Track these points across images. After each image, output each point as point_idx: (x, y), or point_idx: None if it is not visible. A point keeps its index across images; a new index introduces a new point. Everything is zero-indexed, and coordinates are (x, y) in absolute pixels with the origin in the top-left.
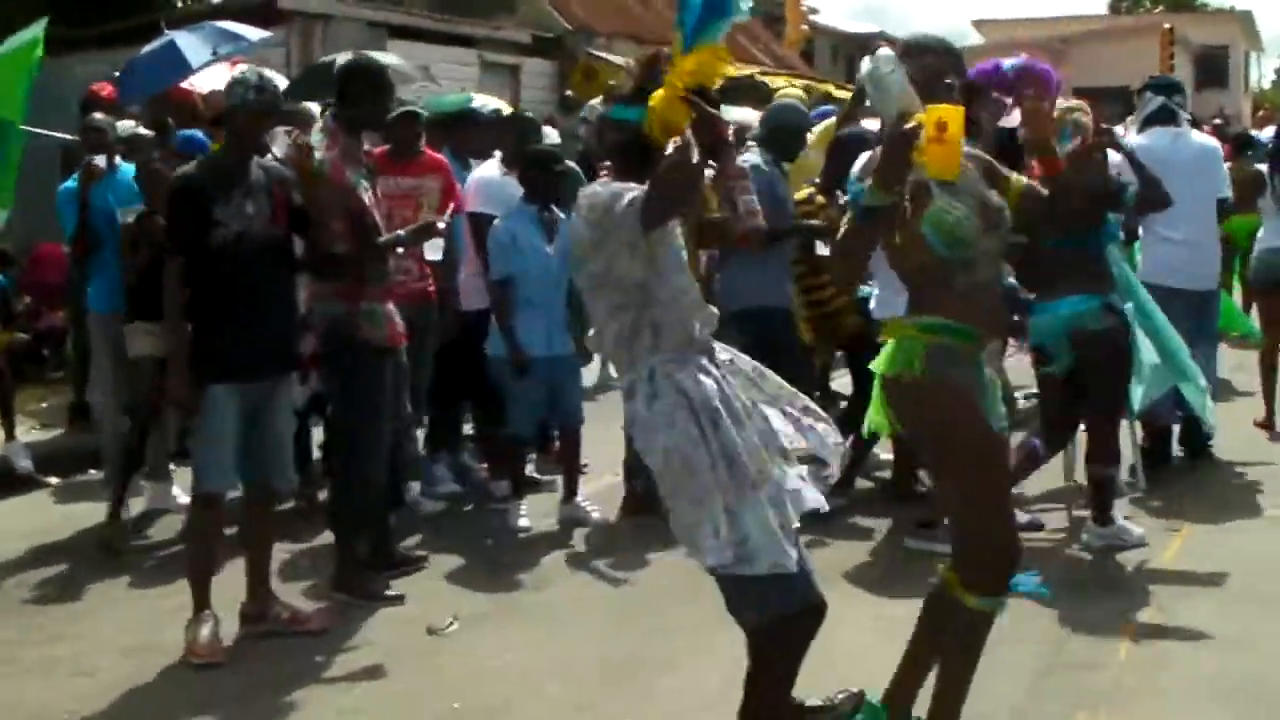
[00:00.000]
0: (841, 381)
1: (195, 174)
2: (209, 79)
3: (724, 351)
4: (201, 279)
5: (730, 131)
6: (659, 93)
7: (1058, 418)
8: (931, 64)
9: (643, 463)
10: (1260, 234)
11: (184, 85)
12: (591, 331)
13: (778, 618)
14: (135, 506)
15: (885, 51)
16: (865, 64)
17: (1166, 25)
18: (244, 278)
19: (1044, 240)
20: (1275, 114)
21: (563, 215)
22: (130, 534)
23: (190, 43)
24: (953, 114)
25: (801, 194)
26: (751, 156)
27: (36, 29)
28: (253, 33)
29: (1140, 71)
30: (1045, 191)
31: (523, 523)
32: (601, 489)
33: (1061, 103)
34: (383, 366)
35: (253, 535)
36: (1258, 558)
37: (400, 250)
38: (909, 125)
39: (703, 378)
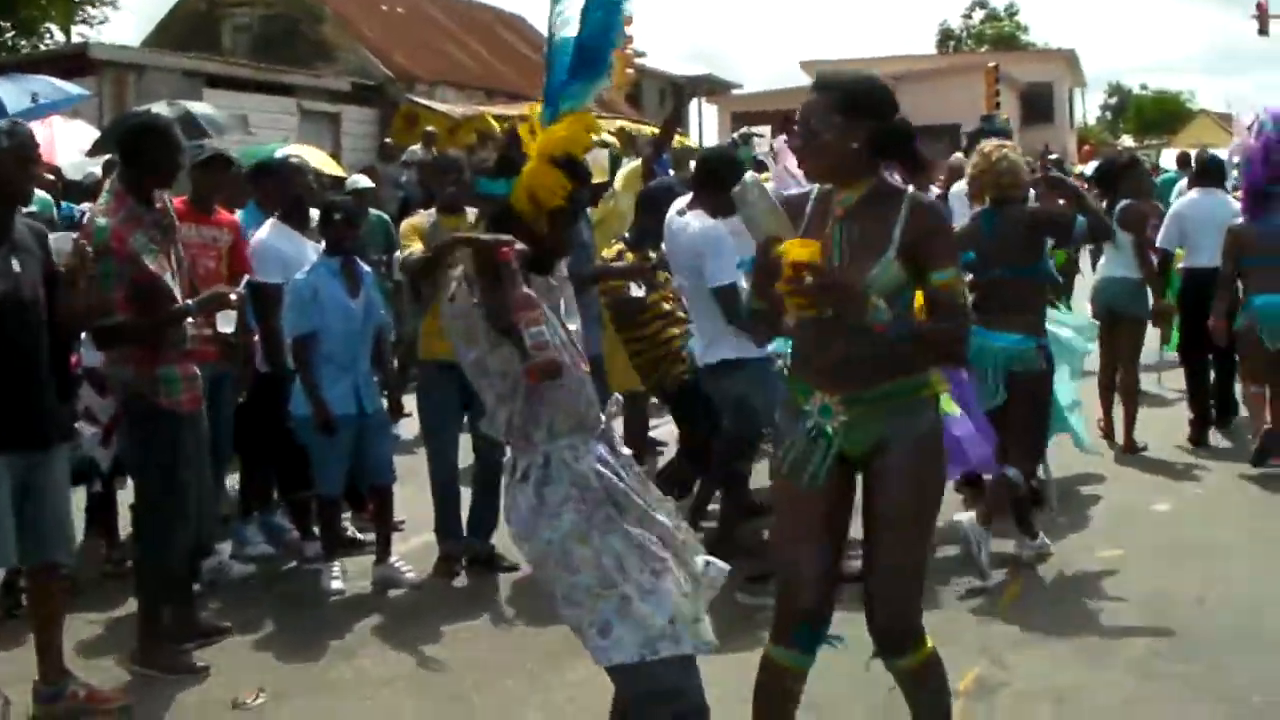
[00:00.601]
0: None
1: None
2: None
3: (623, 449)
4: None
5: (514, 252)
6: (528, 165)
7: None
8: (812, 103)
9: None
10: (1101, 263)
11: None
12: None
13: (690, 704)
14: None
15: (751, 176)
16: (737, 187)
17: (991, 64)
18: (13, 341)
19: (987, 271)
20: (1100, 149)
21: (366, 268)
22: None
23: (7, 89)
24: (807, 254)
25: (610, 251)
26: None
27: None
28: (73, 89)
29: (968, 109)
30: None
31: (335, 585)
32: (417, 547)
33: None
34: (180, 431)
35: (38, 613)
36: (1092, 601)
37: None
38: (772, 255)
39: (601, 468)
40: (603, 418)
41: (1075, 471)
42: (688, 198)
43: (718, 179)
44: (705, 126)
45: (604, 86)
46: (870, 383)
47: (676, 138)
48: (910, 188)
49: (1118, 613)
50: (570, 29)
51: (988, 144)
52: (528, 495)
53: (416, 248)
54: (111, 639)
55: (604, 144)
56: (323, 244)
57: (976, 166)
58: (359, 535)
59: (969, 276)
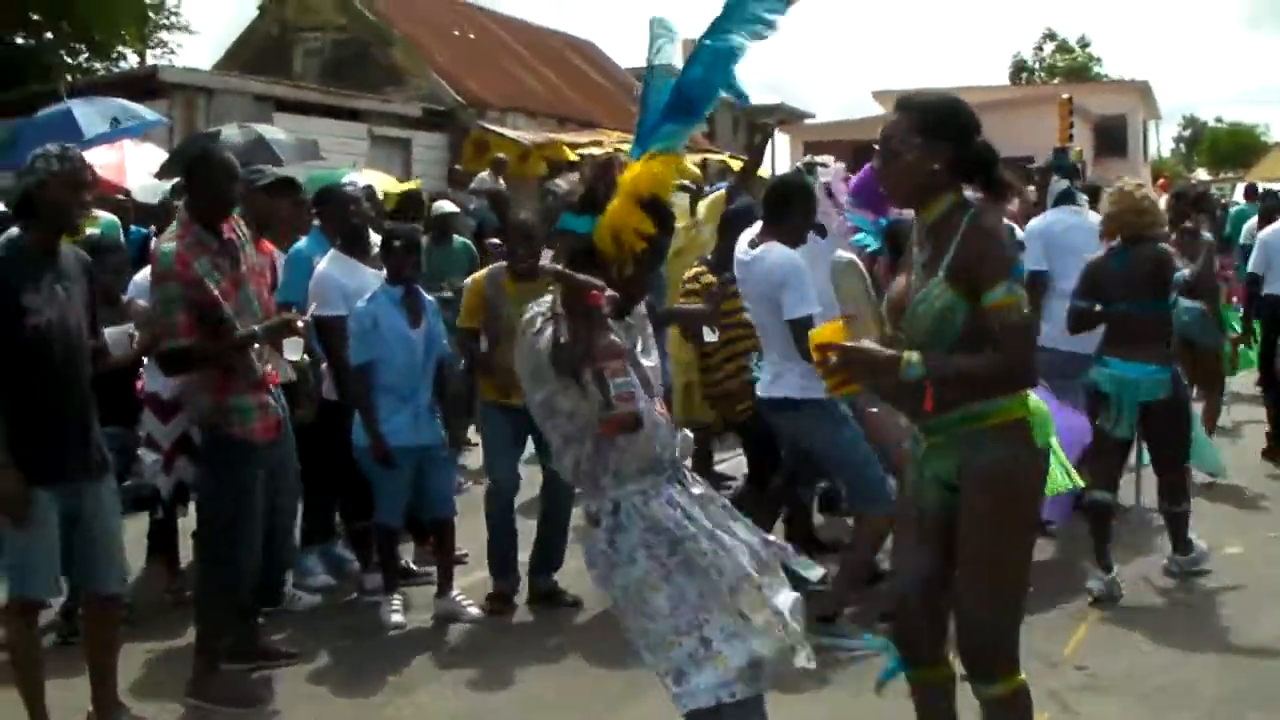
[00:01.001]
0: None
1: (2, 256)
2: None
3: (696, 484)
4: (13, 370)
5: (605, 298)
6: (614, 204)
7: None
8: (894, 123)
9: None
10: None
11: None
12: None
13: None
14: None
15: (841, 256)
16: (835, 257)
17: (1065, 95)
18: (56, 370)
19: (1114, 305)
20: (1174, 182)
21: (429, 297)
22: None
23: (86, 112)
24: (829, 336)
25: (690, 271)
26: None
27: None
28: (149, 114)
29: (1042, 141)
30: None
31: (395, 619)
32: (478, 581)
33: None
34: (252, 460)
35: (93, 642)
36: (1162, 648)
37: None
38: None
39: (670, 509)
40: (675, 457)
41: (1150, 510)
42: (758, 227)
43: (790, 208)
44: (777, 156)
45: (698, 129)
46: (936, 413)
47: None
48: (974, 208)
49: (1189, 659)
50: (669, 63)
51: (1128, 182)
52: (600, 542)
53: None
54: (169, 671)
55: (684, 188)
56: (384, 272)
57: (1115, 204)
58: (414, 567)
59: (1096, 307)
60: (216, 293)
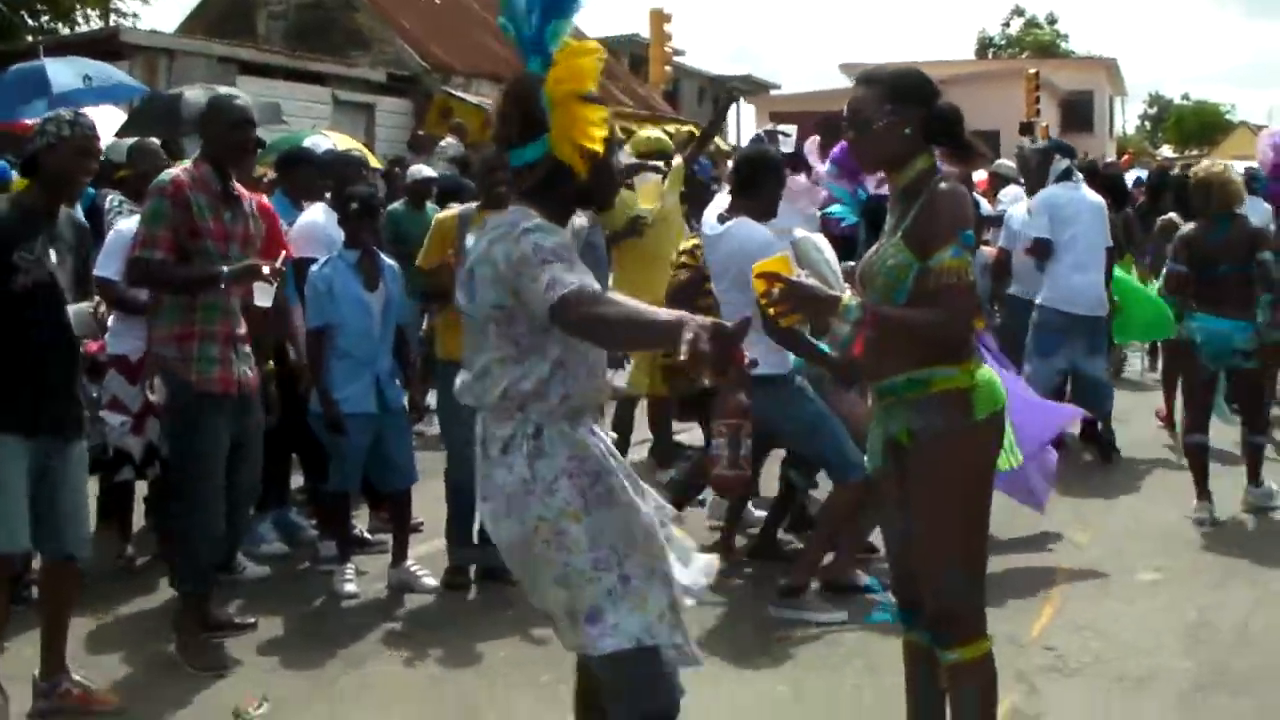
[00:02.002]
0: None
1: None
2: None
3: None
4: None
5: (747, 362)
6: (556, 112)
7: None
8: (861, 96)
9: None
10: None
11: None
12: (462, 375)
13: (674, 702)
14: None
15: (800, 234)
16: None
17: (1032, 70)
18: (39, 329)
19: (1213, 269)
20: (1139, 158)
21: (389, 261)
22: None
23: (58, 69)
24: (772, 266)
25: (686, 244)
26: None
27: None
28: (125, 76)
29: (1008, 116)
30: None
31: (349, 588)
32: (433, 551)
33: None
34: (210, 410)
35: (49, 606)
36: (1131, 629)
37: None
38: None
39: (594, 439)
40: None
41: (1115, 487)
42: (726, 201)
43: (759, 181)
44: (743, 126)
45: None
46: (885, 374)
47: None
48: (940, 175)
49: (1158, 641)
50: None
51: (1216, 163)
52: (515, 468)
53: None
54: (114, 637)
55: (655, 169)
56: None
57: (1206, 180)
58: (369, 536)
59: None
60: (201, 226)
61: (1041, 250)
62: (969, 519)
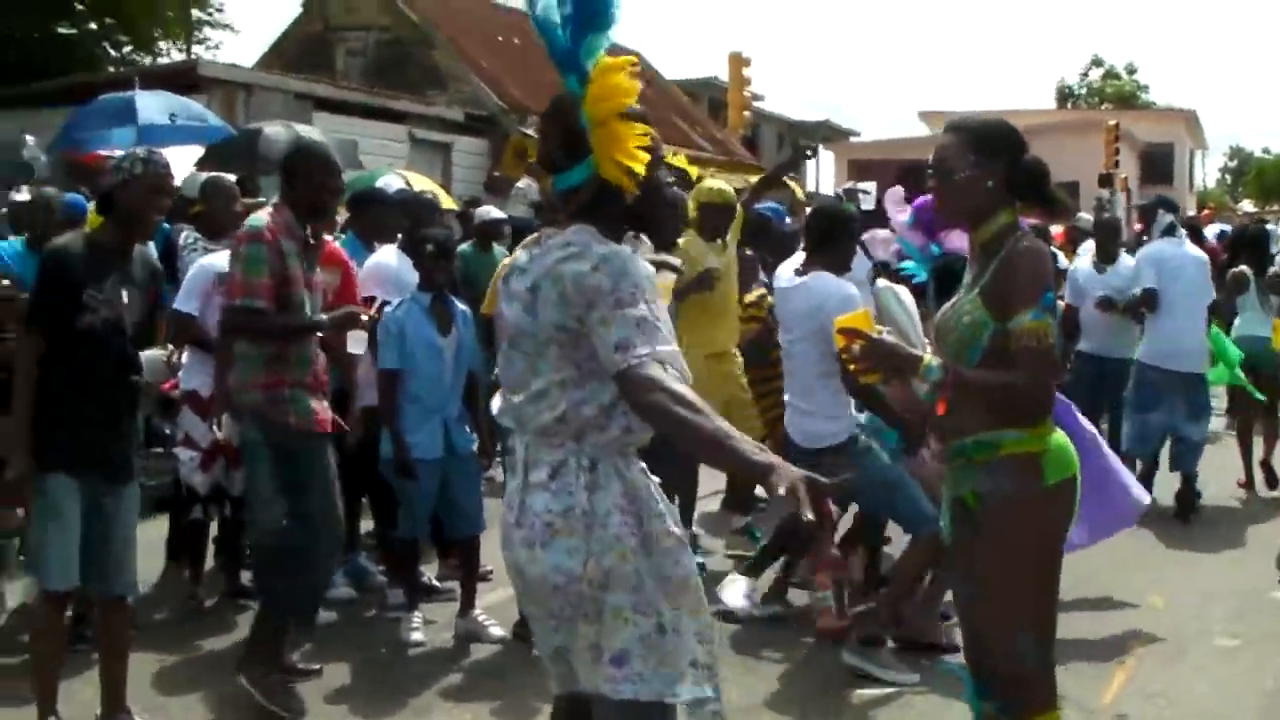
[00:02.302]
0: None
1: (71, 248)
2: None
3: None
4: (57, 361)
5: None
6: (597, 132)
7: None
8: (946, 144)
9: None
10: (1238, 323)
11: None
12: (499, 399)
13: None
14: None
15: (881, 284)
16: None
17: (1112, 121)
18: (101, 369)
19: None
20: (1219, 212)
21: (462, 306)
22: None
23: (147, 104)
24: (853, 322)
25: (752, 295)
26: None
27: None
28: (213, 118)
29: (1086, 167)
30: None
31: (415, 636)
32: (503, 600)
33: None
34: (312, 454)
35: (106, 646)
36: (1204, 695)
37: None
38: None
39: (645, 478)
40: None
41: (1194, 549)
42: (800, 258)
43: (834, 236)
44: (822, 173)
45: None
46: (958, 435)
47: (792, 185)
48: (1022, 233)
49: (1234, 710)
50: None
51: None
52: (562, 497)
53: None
54: (181, 678)
55: (673, 268)
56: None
57: None
58: (437, 584)
59: None
60: (291, 275)
61: (1149, 301)
62: (1037, 586)
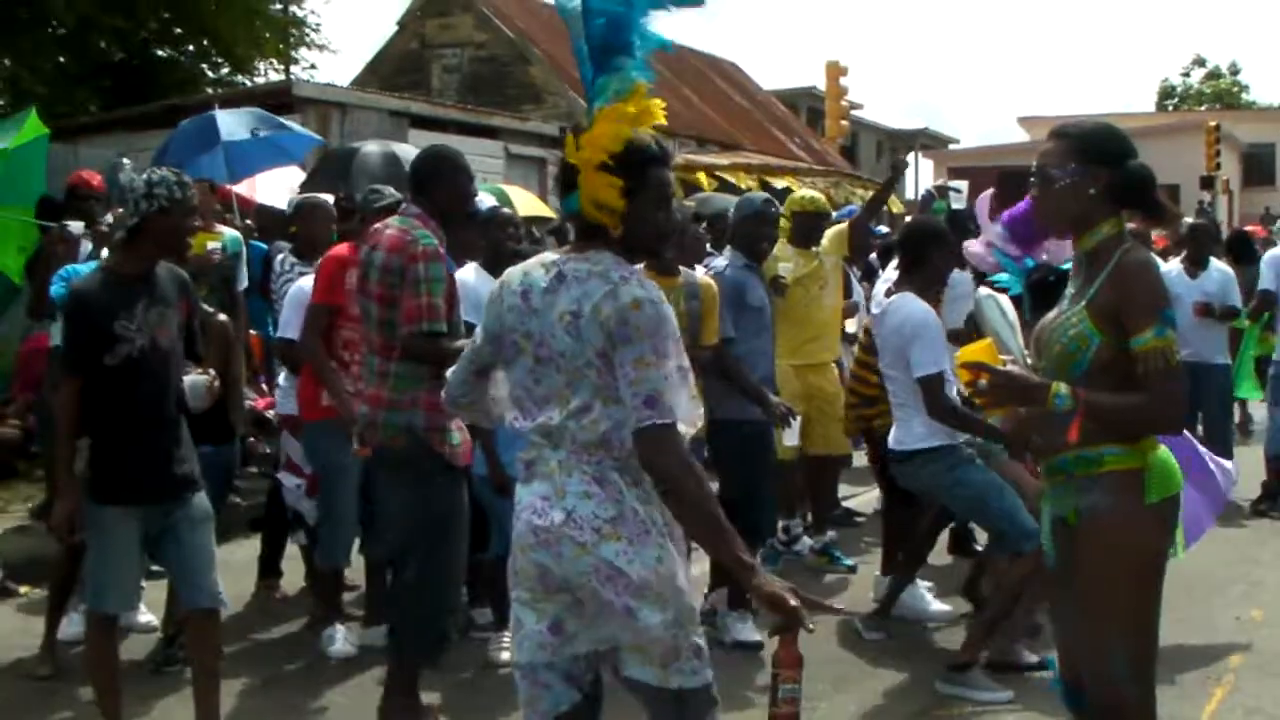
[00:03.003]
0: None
1: (92, 288)
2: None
3: None
4: (100, 395)
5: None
6: (580, 177)
7: None
8: (1049, 150)
9: None
10: None
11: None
12: (541, 414)
13: None
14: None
15: (983, 293)
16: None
17: (1212, 123)
18: (148, 395)
19: None
20: None
21: None
22: (54, 658)
23: (227, 121)
24: (977, 356)
25: (869, 320)
26: (718, 261)
27: (27, 115)
28: (295, 126)
29: (1187, 169)
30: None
31: (504, 656)
32: None
33: None
34: (459, 481)
35: (194, 659)
36: None
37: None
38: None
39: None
40: None
41: None
42: (894, 277)
43: (926, 255)
44: (920, 181)
45: (638, 62)
46: (1056, 451)
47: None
48: (1130, 244)
49: None
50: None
51: None
52: (609, 505)
53: None
54: (265, 703)
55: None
56: None
57: None
58: None
59: None
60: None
61: (1267, 303)
62: (1137, 607)
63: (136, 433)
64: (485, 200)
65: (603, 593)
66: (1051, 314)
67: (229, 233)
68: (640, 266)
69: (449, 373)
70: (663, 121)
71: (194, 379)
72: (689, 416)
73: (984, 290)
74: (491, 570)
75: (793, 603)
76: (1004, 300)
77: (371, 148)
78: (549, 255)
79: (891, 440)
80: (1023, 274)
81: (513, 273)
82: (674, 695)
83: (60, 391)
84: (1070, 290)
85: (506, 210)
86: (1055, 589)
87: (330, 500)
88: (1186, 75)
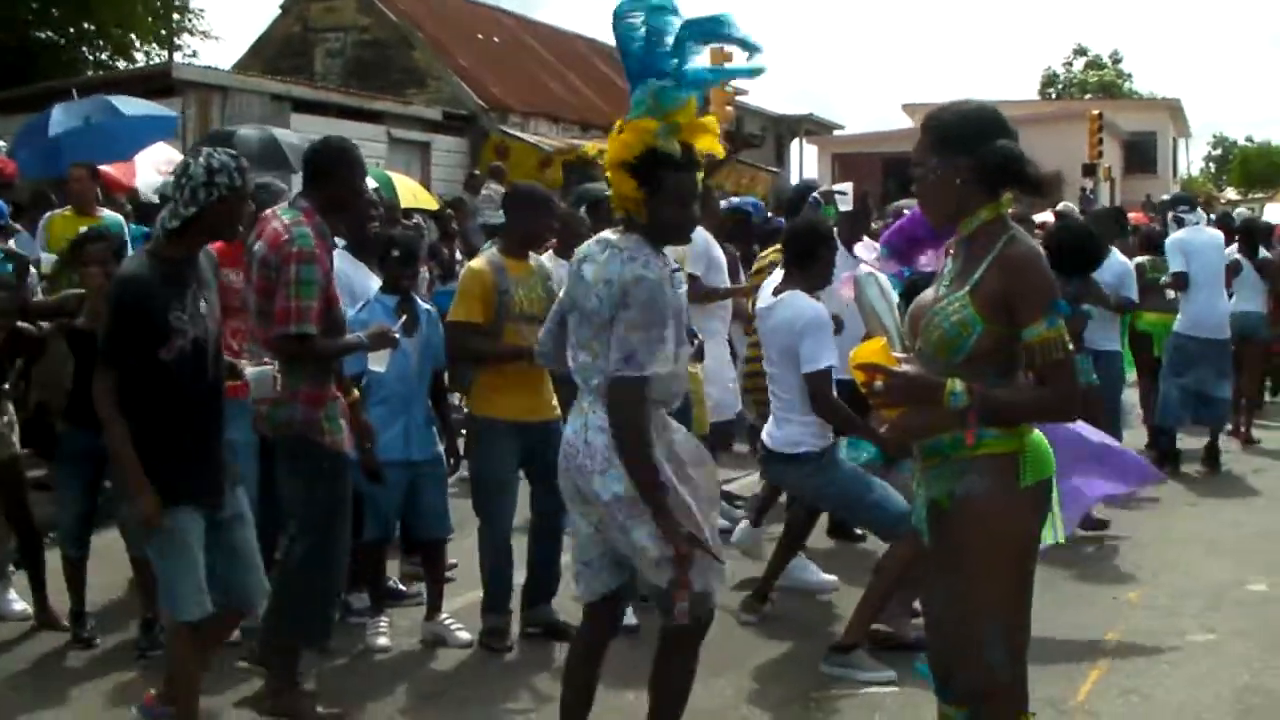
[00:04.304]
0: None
1: (145, 274)
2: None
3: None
4: (154, 392)
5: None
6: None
7: None
8: (916, 146)
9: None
10: (1234, 300)
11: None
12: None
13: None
14: None
15: (864, 271)
16: (860, 272)
17: (1095, 111)
18: (201, 388)
19: None
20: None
21: (425, 306)
22: None
23: (59, 116)
24: (871, 356)
25: (763, 261)
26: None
27: None
28: (143, 107)
29: (1070, 157)
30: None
31: (381, 641)
32: (471, 604)
33: None
34: (344, 471)
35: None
36: (1178, 693)
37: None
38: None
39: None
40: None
41: (1172, 543)
42: (779, 276)
43: (813, 253)
44: (805, 167)
45: (660, 87)
46: (931, 433)
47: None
48: (1011, 229)
49: (1208, 706)
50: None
51: None
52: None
53: (475, 312)
54: None
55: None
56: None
57: None
58: (401, 587)
59: None
60: (332, 291)
61: (1179, 283)
62: (1010, 590)
63: (190, 429)
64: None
65: (609, 511)
66: (929, 293)
67: (111, 216)
68: (634, 245)
69: (540, 330)
70: (694, 142)
71: (259, 370)
72: (667, 391)
73: (864, 268)
74: (368, 555)
75: (684, 546)
76: (883, 279)
77: (249, 131)
78: (606, 233)
79: (765, 434)
80: (901, 286)
81: (584, 245)
82: (665, 593)
83: (98, 386)
84: (949, 270)
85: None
86: (928, 576)
87: None
88: (1069, 64)
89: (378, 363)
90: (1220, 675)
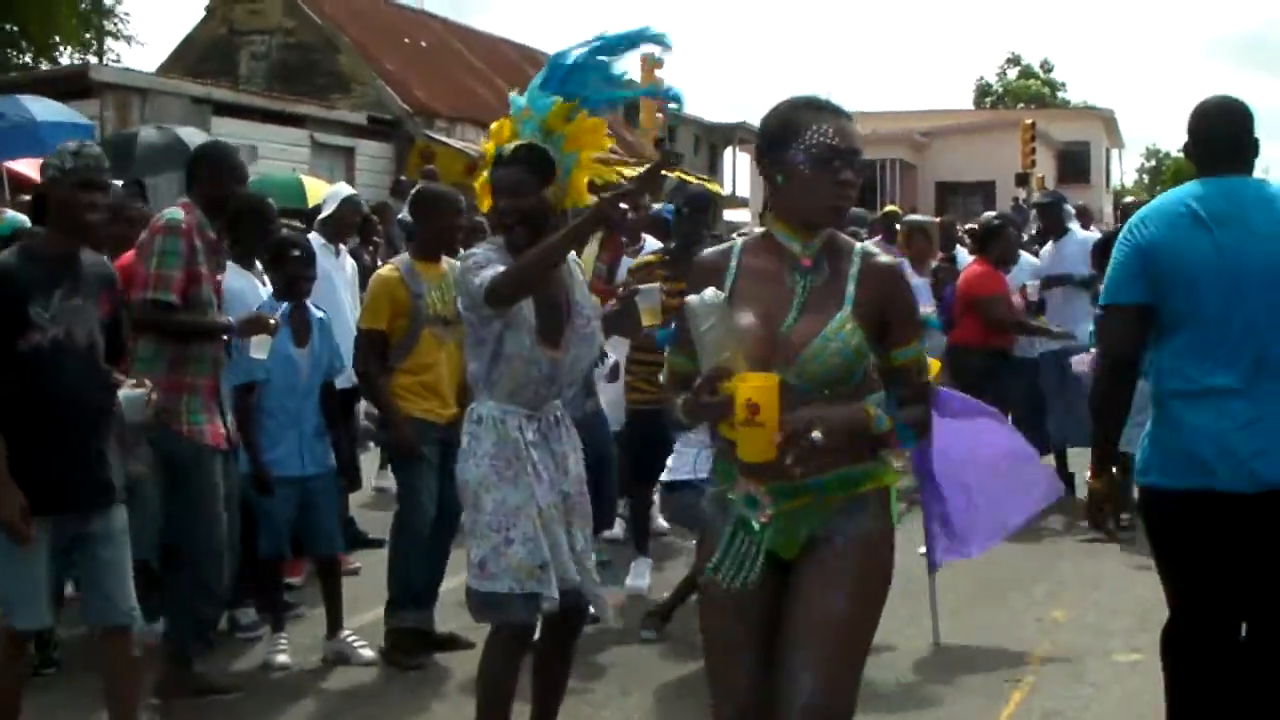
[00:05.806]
0: None
1: (8, 262)
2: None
3: (563, 438)
4: (10, 387)
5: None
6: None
7: None
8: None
9: None
10: None
11: None
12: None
13: (507, 626)
14: None
15: (710, 293)
16: (691, 299)
17: (1028, 121)
18: (62, 392)
19: None
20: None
21: (319, 313)
22: None
23: None
24: (764, 393)
25: (638, 261)
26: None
27: None
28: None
29: (1004, 166)
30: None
31: (281, 659)
32: (373, 621)
33: None
34: (205, 461)
35: (108, 679)
36: (1103, 718)
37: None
38: (718, 395)
39: (520, 434)
40: (552, 402)
41: (1100, 560)
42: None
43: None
44: (739, 175)
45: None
46: (809, 474)
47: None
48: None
49: None
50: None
51: None
52: (466, 437)
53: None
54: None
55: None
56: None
57: None
58: (290, 601)
59: None
60: (200, 272)
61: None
62: (875, 625)
63: (50, 434)
64: None
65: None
66: (795, 318)
67: (10, 215)
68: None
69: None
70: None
71: (131, 393)
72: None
73: (709, 291)
74: (264, 570)
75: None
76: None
77: (150, 132)
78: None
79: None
80: None
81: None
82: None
83: None
84: (798, 283)
85: (268, 199)
86: (735, 628)
87: None
88: (1002, 73)
89: (258, 350)
90: (1144, 697)
